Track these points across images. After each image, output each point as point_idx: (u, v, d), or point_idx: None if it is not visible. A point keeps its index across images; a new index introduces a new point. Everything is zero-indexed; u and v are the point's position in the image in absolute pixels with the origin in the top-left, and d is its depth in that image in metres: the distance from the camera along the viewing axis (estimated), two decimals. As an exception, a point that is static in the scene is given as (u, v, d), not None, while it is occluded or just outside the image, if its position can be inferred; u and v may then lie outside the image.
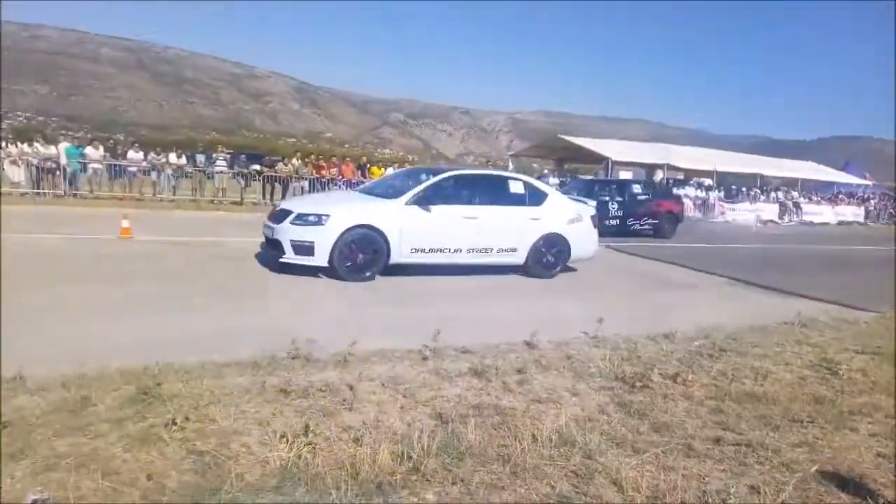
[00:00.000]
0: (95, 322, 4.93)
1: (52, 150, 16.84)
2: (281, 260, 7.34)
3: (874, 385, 4.46)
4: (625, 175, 26.89)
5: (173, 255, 8.59)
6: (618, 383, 4.18)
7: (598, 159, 27.67)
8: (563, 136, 32.41)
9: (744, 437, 3.39)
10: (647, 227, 16.06)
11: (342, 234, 7.21)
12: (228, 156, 25.06)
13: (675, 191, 26.63)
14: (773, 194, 30.37)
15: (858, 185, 36.42)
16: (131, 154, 19.23)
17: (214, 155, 24.15)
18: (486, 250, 8.15)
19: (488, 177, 9.13)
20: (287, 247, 7.28)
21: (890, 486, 2.98)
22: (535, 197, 8.61)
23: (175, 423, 2.95)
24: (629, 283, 9.10)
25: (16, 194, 15.47)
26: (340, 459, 2.78)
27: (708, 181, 28.91)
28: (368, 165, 22.54)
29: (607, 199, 15.71)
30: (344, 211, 7.54)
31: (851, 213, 30.82)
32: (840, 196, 33.49)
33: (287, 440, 2.88)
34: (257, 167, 21.72)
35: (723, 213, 26.06)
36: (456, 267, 8.04)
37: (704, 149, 35.90)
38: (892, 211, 32.36)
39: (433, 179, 8.08)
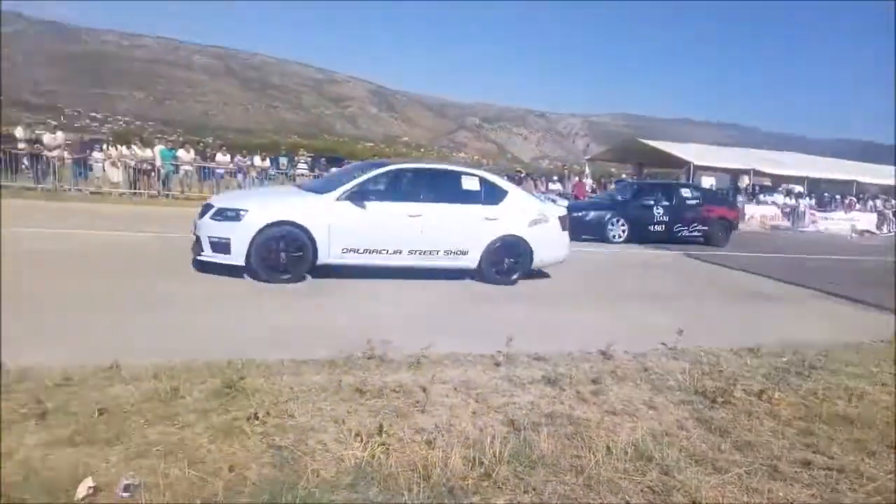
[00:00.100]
0: (184, 316, 5.20)
1: (147, 152, 17.98)
2: (198, 258, 6.83)
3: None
4: (707, 181, 25.86)
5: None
6: (698, 398, 4.01)
7: (678, 164, 26.66)
8: (641, 140, 31.51)
9: (836, 462, 3.18)
10: (696, 233, 15.07)
11: (260, 231, 6.63)
12: (310, 159, 26.10)
13: (761, 197, 25.50)
14: (870, 203, 28.42)
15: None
16: (219, 157, 20.36)
17: (296, 158, 25.25)
18: (430, 252, 7.43)
19: (438, 171, 8.22)
20: (205, 243, 6.74)
21: None
22: (492, 195, 7.78)
23: (257, 418, 3.07)
24: (710, 293, 8.73)
25: (115, 194, 16.58)
26: (413, 461, 2.81)
27: (798, 188, 27.36)
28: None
29: (652, 202, 14.95)
30: (263, 206, 6.93)
31: (961, 224, 28.36)
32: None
33: (361, 439, 2.94)
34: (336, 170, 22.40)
35: (814, 222, 24.73)
36: (398, 270, 7.41)
37: (795, 153, 33.92)
38: None
39: (370, 173, 7.40)
